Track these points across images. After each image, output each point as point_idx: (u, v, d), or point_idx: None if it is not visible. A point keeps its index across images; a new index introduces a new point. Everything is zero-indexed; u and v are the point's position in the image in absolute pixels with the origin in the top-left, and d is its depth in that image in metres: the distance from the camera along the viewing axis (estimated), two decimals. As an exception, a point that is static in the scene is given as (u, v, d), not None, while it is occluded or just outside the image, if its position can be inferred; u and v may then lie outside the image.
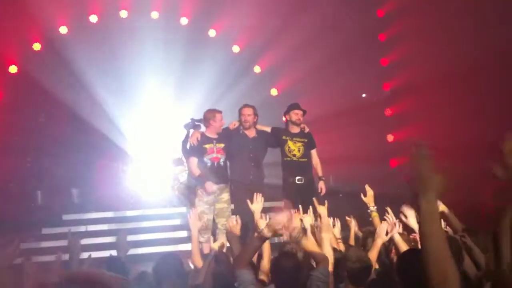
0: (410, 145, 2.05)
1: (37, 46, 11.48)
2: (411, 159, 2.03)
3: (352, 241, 5.51)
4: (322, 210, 4.70)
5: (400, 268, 2.98)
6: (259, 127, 7.88)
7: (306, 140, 7.83)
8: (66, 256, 3.97)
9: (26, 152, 10.95)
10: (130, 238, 4.67)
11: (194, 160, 7.50)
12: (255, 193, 5.26)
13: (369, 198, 5.38)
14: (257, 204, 5.16)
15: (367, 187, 5.42)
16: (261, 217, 4.88)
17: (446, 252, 1.96)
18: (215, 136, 7.55)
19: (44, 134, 11.01)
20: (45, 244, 8.16)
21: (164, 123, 11.23)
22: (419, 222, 2.05)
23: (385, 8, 12.56)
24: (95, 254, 4.60)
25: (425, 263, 1.95)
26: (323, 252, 4.03)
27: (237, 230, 4.91)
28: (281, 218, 4.08)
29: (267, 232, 3.82)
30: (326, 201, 4.94)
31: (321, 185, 7.76)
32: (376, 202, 5.38)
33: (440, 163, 2.00)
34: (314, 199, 5.27)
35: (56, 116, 10.91)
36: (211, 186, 7.28)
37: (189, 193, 9.69)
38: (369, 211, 5.35)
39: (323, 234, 4.30)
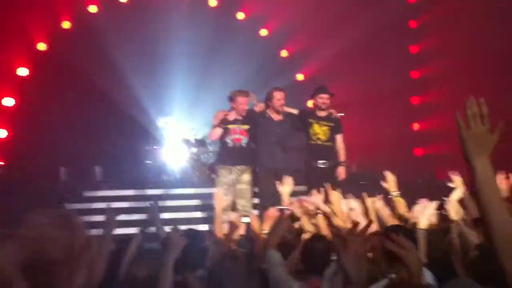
0: (465, 104, 1.89)
1: (66, 25, 11.59)
2: (465, 118, 1.86)
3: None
4: (334, 196, 4.67)
5: None
6: (286, 109, 7.78)
7: (332, 125, 7.69)
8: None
9: (52, 128, 11.09)
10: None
11: (217, 129, 7.41)
12: (285, 176, 5.23)
13: (390, 183, 5.23)
14: (285, 187, 5.13)
15: (387, 173, 5.29)
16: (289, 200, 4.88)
17: (507, 215, 1.81)
18: (240, 117, 7.48)
19: (70, 111, 11.14)
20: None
21: (188, 104, 11.24)
22: (474, 187, 1.85)
23: (417, -5, 12.33)
24: (116, 231, 4.61)
25: (489, 236, 1.81)
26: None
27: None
28: (313, 199, 4.07)
29: (298, 214, 3.87)
30: (338, 188, 4.97)
31: (340, 170, 7.61)
32: (402, 189, 5.26)
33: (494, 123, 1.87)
34: (327, 184, 5.16)
35: (83, 94, 10.99)
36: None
37: (210, 173, 9.74)
38: (389, 196, 5.24)
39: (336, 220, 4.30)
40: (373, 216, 5.04)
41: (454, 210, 4.48)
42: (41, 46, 11.44)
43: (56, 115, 10.88)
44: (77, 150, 10.33)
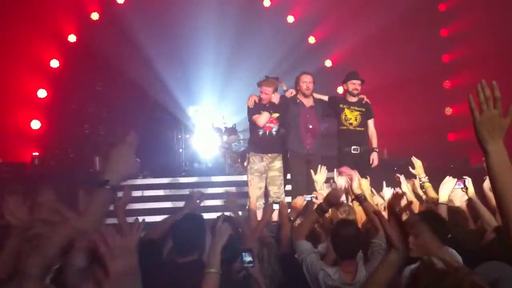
0: (476, 87, 1.88)
1: (95, 16, 11.70)
2: (478, 102, 1.86)
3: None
4: (364, 183, 4.68)
5: None
6: (316, 95, 7.74)
7: (364, 110, 7.63)
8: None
9: (84, 120, 11.26)
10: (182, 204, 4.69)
11: (264, 115, 7.32)
12: (318, 165, 5.22)
13: (418, 169, 5.19)
14: (320, 175, 5.13)
15: (414, 159, 5.24)
16: (322, 189, 4.90)
17: None
18: (271, 104, 7.44)
19: (101, 102, 11.29)
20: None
21: (218, 93, 11.28)
22: (489, 174, 1.84)
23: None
24: (149, 219, 4.67)
25: (505, 220, 1.80)
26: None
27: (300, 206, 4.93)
28: (338, 193, 4.10)
29: (325, 206, 3.92)
30: (368, 176, 4.97)
31: (374, 156, 7.56)
32: (431, 175, 5.21)
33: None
34: (355, 172, 5.14)
35: (113, 85, 11.11)
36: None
37: (241, 161, 9.77)
38: (421, 182, 5.21)
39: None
40: (412, 198, 5.04)
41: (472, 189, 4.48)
42: (72, 38, 11.58)
43: (90, 106, 11.05)
44: (111, 140, 10.46)
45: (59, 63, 11.46)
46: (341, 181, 5.06)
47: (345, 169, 4.64)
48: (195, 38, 11.39)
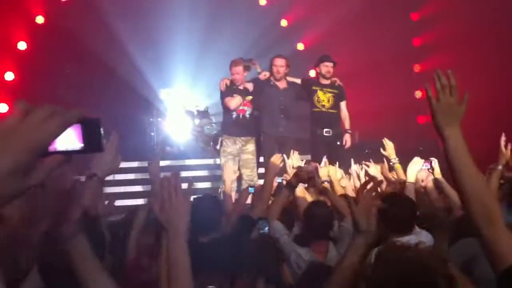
0: (433, 76, 1.96)
1: (64, -4, 11.44)
2: (435, 89, 1.95)
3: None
4: (332, 170, 4.78)
5: None
6: (290, 79, 7.77)
7: (336, 92, 7.73)
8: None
9: (52, 102, 11.01)
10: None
11: (236, 98, 7.32)
12: (291, 150, 5.27)
13: (389, 150, 5.30)
14: (293, 159, 5.18)
15: (386, 140, 5.34)
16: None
17: (483, 187, 1.89)
18: (243, 88, 7.45)
19: (71, 84, 11.09)
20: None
21: (190, 75, 11.19)
22: (447, 158, 1.93)
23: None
24: (120, 202, 4.63)
25: (464, 202, 1.88)
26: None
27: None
28: (308, 168, 4.15)
29: (294, 182, 3.96)
30: (336, 162, 5.25)
31: (347, 138, 7.69)
32: (401, 157, 5.31)
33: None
34: (325, 158, 5.26)
35: (84, 67, 10.92)
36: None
37: (214, 144, 9.76)
38: (391, 163, 5.31)
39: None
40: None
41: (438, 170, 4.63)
42: (39, 19, 11.31)
43: (57, 88, 10.84)
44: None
45: (27, 45, 11.19)
46: (372, 171, 5.18)
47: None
48: (166, 20, 11.23)
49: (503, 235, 1.79)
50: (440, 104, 1.94)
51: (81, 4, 10.97)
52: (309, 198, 4.59)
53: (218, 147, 8.79)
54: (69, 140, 1.03)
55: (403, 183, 4.78)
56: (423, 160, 4.67)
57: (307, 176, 4.09)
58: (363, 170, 5.46)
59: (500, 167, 4.40)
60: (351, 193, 4.73)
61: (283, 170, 5.08)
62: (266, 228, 3.39)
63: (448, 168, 1.96)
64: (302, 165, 4.95)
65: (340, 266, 2.17)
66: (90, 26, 10.67)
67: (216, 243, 3.27)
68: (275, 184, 4.96)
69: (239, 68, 7.33)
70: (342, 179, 5.26)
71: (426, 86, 1.98)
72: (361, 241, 2.12)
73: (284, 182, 4.74)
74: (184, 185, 2.12)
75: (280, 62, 7.58)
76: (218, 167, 8.66)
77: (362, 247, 2.11)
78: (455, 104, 1.93)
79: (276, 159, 4.42)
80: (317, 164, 4.87)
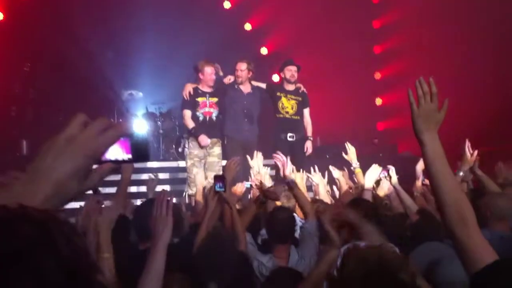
0: (415, 83, 2.05)
1: (24, -7, 11.15)
2: (417, 96, 2.03)
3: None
4: (298, 177, 4.89)
5: None
6: (254, 83, 7.83)
7: (300, 99, 7.83)
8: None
9: (10, 101, 10.75)
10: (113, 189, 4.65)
11: (187, 113, 7.45)
12: (255, 151, 5.29)
13: (351, 155, 5.40)
14: (256, 160, 5.20)
15: (348, 145, 5.45)
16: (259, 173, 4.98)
17: (458, 190, 1.97)
18: (209, 90, 7.49)
19: (29, 83, 10.82)
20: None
21: (153, 76, 11.09)
22: (425, 161, 2.02)
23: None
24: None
25: (439, 204, 1.95)
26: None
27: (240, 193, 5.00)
28: (276, 190, 4.24)
29: (263, 198, 4.11)
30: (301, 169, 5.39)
31: (308, 144, 7.80)
32: (361, 162, 5.42)
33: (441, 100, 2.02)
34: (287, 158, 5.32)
35: (44, 66, 10.67)
36: (205, 139, 7.29)
37: (176, 147, 9.70)
38: (352, 168, 5.42)
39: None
40: (345, 186, 5.26)
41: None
42: (-2, 16, 10.99)
43: (17, 87, 10.57)
44: (40, 123, 10.08)
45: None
46: (336, 174, 5.35)
47: (278, 155, 4.74)
48: (130, 20, 11.09)
49: (477, 237, 1.85)
50: (421, 110, 2.01)
51: (43, 1, 10.73)
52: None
53: (180, 149, 8.77)
54: (119, 150, 1.16)
55: (361, 188, 4.90)
56: (381, 168, 4.79)
57: (274, 197, 4.19)
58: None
59: (461, 173, 4.56)
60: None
61: (248, 173, 5.13)
62: (221, 185, 3.69)
63: (425, 171, 2.04)
64: (265, 169, 5.03)
65: (312, 278, 2.24)
66: (51, 24, 10.45)
67: (175, 247, 3.27)
68: (243, 189, 4.99)
69: (212, 69, 7.41)
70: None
71: (408, 91, 2.06)
72: (334, 255, 2.18)
73: (253, 188, 4.81)
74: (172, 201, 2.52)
75: (241, 66, 7.64)
76: (181, 169, 8.63)
77: (335, 260, 2.17)
78: (435, 111, 2.00)
79: (231, 163, 4.36)
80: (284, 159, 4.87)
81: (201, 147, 7.34)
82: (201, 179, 5.37)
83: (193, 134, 7.37)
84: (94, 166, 1.14)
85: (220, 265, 3.00)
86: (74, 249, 0.90)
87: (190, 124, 7.41)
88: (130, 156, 1.16)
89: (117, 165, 1.17)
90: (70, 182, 1.07)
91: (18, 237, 0.86)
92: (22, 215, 0.89)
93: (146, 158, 1.19)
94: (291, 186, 4.29)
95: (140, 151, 1.17)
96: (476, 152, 4.65)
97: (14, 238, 0.85)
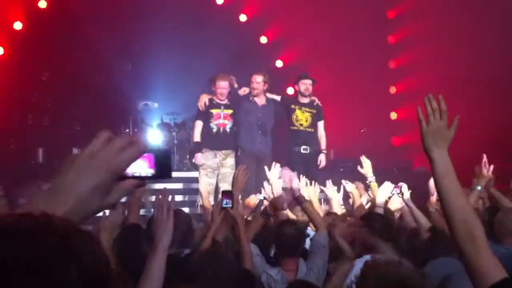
0: (424, 100, 2.04)
1: (42, 4, 11.34)
2: (426, 113, 2.02)
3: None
4: (312, 191, 4.88)
5: None
6: (269, 95, 7.86)
7: (314, 111, 7.84)
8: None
9: (28, 109, 10.91)
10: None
11: (198, 124, 7.50)
12: (273, 163, 5.28)
13: (366, 169, 5.36)
14: (273, 171, 5.19)
15: (364, 158, 5.41)
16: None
17: (467, 207, 1.95)
18: (224, 102, 7.53)
19: (46, 92, 10.97)
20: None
21: (169, 88, 11.17)
22: (434, 178, 2.01)
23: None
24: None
25: (448, 221, 1.94)
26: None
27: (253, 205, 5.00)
28: (281, 199, 4.25)
29: (270, 210, 4.23)
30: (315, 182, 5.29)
31: (321, 157, 7.79)
32: (377, 176, 5.39)
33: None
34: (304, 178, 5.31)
35: (60, 75, 10.81)
36: (199, 159, 7.38)
37: (190, 157, 9.73)
38: (367, 182, 5.38)
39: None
40: (359, 200, 5.24)
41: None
42: (17, 25, 11.18)
43: (34, 96, 10.72)
44: (56, 132, 10.20)
45: (3, 51, 11.04)
46: (349, 188, 5.42)
47: (286, 170, 4.75)
48: (146, 32, 11.22)
49: (486, 254, 1.84)
50: (430, 127, 2.00)
51: (60, 12, 10.91)
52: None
53: (194, 160, 8.79)
54: (142, 166, 1.15)
55: (373, 205, 4.88)
56: (393, 185, 4.76)
57: (281, 206, 4.20)
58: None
59: (479, 187, 4.51)
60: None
61: (261, 186, 5.13)
62: (227, 202, 3.70)
63: (435, 187, 2.03)
64: (279, 181, 5.02)
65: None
66: (68, 35, 10.62)
67: (185, 258, 3.29)
68: (256, 201, 4.97)
69: (226, 83, 7.47)
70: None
71: (418, 109, 2.06)
72: (348, 267, 2.19)
73: (265, 202, 4.81)
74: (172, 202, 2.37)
75: (257, 79, 7.67)
76: (195, 180, 8.65)
77: (349, 271, 2.18)
78: (444, 128, 2.00)
79: (238, 173, 4.29)
80: (292, 173, 4.86)
81: (195, 163, 7.43)
82: (204, 184, 5.37)
83: (194, 148, 7.45)
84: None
85: (213, 280, 2.93)
86: (94, 258, 0.91)
87: (196, 137, 7.49)
88: (153, 171, 1.16)
89: (141, 182, 1.17)
90: (92, 197, 1.08)
91: (41, 246, 0.87)
92: (45, 223, 0.90)
93: (168, 175, 1.18)
94: (300, 200, 4.28)
95: (164, 167, 1.17)
96: (492, 168, 4.60)
97: (37, 247, 0.87)
